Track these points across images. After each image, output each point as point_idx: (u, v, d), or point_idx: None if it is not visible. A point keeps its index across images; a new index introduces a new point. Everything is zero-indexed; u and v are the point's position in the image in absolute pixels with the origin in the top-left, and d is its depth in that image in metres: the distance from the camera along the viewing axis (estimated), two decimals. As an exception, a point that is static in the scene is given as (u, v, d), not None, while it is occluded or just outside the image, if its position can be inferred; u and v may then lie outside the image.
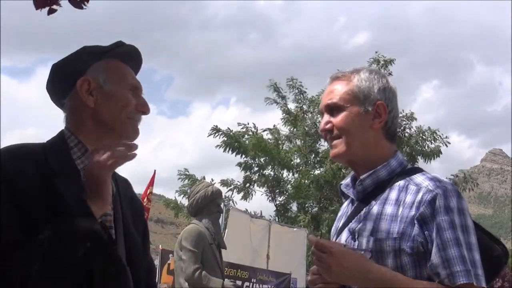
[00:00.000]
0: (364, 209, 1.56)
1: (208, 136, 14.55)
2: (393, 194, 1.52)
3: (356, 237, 1.53)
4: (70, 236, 1.30)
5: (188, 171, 14.74)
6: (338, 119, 1.57)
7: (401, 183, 1.53)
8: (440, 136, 15.12)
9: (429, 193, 1.46)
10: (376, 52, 15.28)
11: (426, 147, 15.02)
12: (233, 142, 14.50)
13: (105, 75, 1.48)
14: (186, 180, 14.45)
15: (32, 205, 1.30)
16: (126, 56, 1.55)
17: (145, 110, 1.53)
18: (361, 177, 1.58)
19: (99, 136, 1.48)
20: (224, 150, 14.57)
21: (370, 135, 1.57)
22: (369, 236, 1.50)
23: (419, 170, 1.58)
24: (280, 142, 15.25)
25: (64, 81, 1.49)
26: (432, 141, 15.05)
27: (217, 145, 14.55)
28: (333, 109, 1.58)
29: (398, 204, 1.49)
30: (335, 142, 1.58)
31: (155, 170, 10.06)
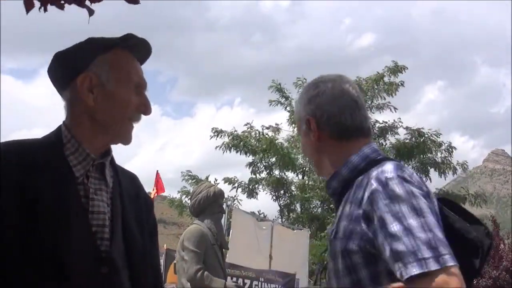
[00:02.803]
0: (338, 210, 1.55)
1: (210, 139, 14.56)
2: (352, 191, 1.49)
3: (332, 239, 1.53)
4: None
5: (191, 172, 14.76)
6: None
7: (359, 178, 1.49)
8: (442, 142, 15.24)
9: (371, 186, 1.40)
10: (392, 61, 15.45)
11: (438, 158, 15.14)
12: (238, 142, 14.43)
13: (109, 72, 1.42)
14: (190, 180, 14.48)
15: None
16: (134, 48, 1.48)
17: (146, 111, 1.47)
18: (327, 181, 1.60)
19: (94, 135, 1.43)
20: (225, 152, 14.54)
21: (320, 148, 1.60)
22: (334, 238, 1.50)
23: (381, 161, 1.50)
24: (291, 143, 15.23)
25: (66, 72, 1.42)
26: (436, 149, 15.17)
27: (217, 146, 14.52)
28: None
29: (352, 202, 1.47)
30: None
31: (157, 171, 10.03)
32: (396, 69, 15.31)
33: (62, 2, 1.71)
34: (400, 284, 1.29)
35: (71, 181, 1.38)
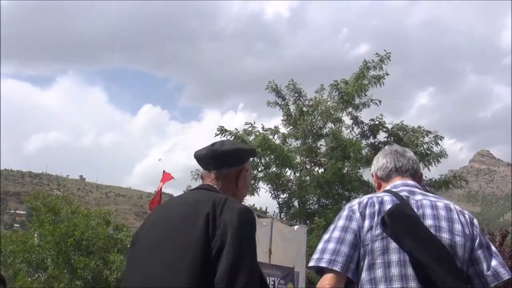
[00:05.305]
0: None
1: (215, 137, 14.86)
2: None
3: None
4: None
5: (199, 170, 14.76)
6: None
7: None
8: (428, 133, 15.27)
9: None
10: (375, 54, 15.38)
11: (424, 149, 15.19)
12: (239, 141, 14.67)
13: (250, 171, 2.18)
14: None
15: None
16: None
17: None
18: None
19: None
20: None
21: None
22: None
23: None
24: (286, 141, 15.54)
25: (235, 159, 2.12)
26: (424, 137, 15.24)
27: None
28: None
29: None
30: None
31: (164, 171, 10.23)
32: (372, 64, 15.07)
33: None
34: None
35: None
